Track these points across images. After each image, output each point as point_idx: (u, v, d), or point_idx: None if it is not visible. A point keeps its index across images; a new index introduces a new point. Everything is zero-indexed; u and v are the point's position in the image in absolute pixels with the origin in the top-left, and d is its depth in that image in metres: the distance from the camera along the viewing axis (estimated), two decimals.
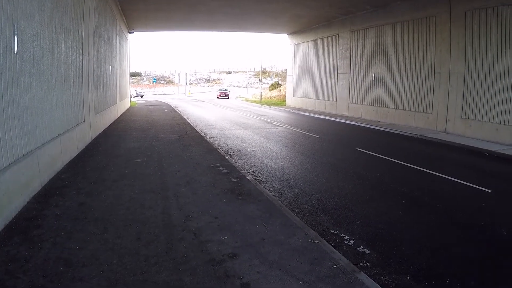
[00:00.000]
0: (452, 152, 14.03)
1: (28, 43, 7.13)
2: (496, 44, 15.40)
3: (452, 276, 4.91)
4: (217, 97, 62.50)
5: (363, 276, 4.56)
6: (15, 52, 6.41)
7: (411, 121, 20.59)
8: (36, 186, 7.47)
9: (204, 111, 32.60)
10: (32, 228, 5.66)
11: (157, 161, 10.75)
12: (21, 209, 6.43)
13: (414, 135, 17.60)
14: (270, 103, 43.62)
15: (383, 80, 23.09)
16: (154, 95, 75.64)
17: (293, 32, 35.47)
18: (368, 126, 21.36)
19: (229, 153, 12.83)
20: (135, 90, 66.13)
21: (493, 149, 13.93)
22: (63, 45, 9.86)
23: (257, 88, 65.94)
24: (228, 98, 62.46)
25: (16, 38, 6.38)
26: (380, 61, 23.38)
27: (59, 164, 9.42)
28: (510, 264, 5.29)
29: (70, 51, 10.74)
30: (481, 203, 8.01)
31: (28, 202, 6.80)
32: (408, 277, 4.86)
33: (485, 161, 12.75)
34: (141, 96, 65.78)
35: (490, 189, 8.86)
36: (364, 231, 6.37)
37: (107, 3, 18.37)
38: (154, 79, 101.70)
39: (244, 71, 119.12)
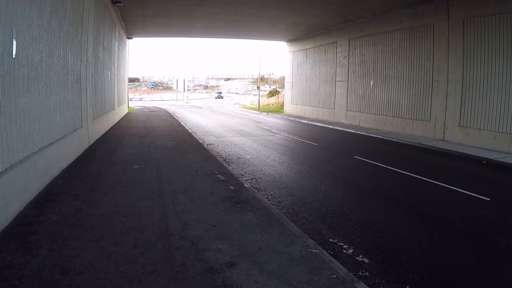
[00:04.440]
0: (450, 160, 14.02)
1: (27, 48, 7.10)
2: (494, 52, 15.46)
3: (451, 284, 4.87)
4: None
5: (362, 286, 4.53)
6: (14, 57, 6.38)
7: (409, 129, 20.59)
8: (32, 191, 7.42)
9: (202, 118, 32.58)
10: (28, 234, 5.61)
11: (155, 168, 10.70)
12: (17, 214, 6.38)
13: (412, 143, 17.59)
14: (268, 110, 43.65)
15: (381, 88, 23.13)
16: (152, 101, 75.64)
17: (292, 40, 35.55)
18: (366, 134, 21.35)
19: (227, 160, 12.79)
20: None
21: (491, 157, 13.93)
22: (61, 50, 9.84)
23: (255, 95, 66.07)
24: None
25: (15, 42, 6.35)
26: (378, 69, 23.43)
27: (56, 170, 9.36)
28: (509, 272, 5.25)
29: (69, 56, 10.71)
30: (479, 212, 7.99)
31: (24, 208, 6.75)
32: (408, 287, 4.81)
33: (483, 169, 12.74)
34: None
35: (489, 198, 8.85)
36: (362, 240, 6.34)
37: (106, 9, 18.38)
38: (152, 85, 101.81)
39: (242, 78, 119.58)
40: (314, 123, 27.83)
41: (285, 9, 22.60)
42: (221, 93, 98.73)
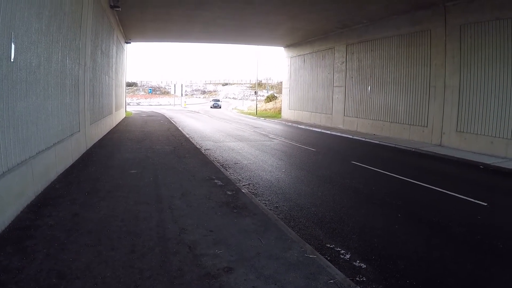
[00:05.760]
0: (447, 165, 14.05)
1: (25, 51, 7.09)
2: (490, 58, 15.55)
3: None
4: None
5: None
6: (12, 60, 6.37)
7: (406, 134, 20.64)
8: (30, 195, 7.39)
9: (200, 123, 32.58)
10: (25, 238, 5.59)
11: (152, 172, 10.69)
12: (14, 218, 6.35)
13: (409, 148, 17.63)
14: (265, 115, 43.68)
15: (379, 94, 23.18)
16: (149, 105, 75.56)
17: (289, 45, 35.62)
18: (363, 139, 21.39)
19: (225, 165, 12.79)
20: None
21: (488, 162, 13.97)
22: (60, 54, 9.83)
23: (253, 100, 66.04)
24: None
25: (13, 46, 6.35)
26: (375, 74, 23.50)
27: (53, 174, 9.34)
28: (506, 277, 5.26)
29: (67, 60, 10.71)
30: (477, 216, 8.00)
31: (21, 212, 6.72)
32: None
33: (480, 174, 12.77)
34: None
35: (486, 202, 8.88)
36: (360, 245, 6.34)
37: (104, 13, 18.39)
38: (150, 89, 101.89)
39: (239, 83, 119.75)
40: (311, 128, 27.86)
41: (283, 15, 22.68)
42: (218, 100, 78.44)
